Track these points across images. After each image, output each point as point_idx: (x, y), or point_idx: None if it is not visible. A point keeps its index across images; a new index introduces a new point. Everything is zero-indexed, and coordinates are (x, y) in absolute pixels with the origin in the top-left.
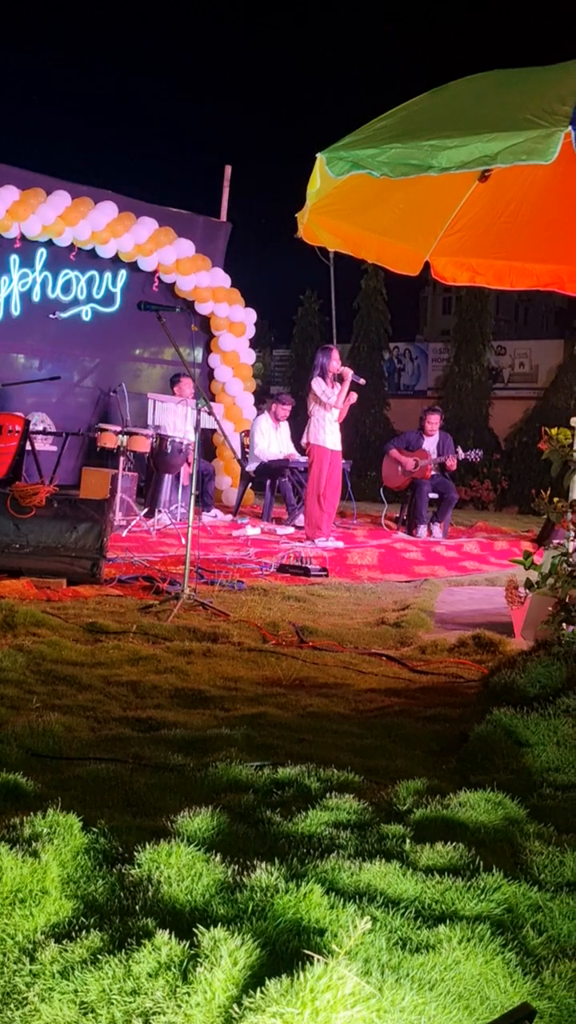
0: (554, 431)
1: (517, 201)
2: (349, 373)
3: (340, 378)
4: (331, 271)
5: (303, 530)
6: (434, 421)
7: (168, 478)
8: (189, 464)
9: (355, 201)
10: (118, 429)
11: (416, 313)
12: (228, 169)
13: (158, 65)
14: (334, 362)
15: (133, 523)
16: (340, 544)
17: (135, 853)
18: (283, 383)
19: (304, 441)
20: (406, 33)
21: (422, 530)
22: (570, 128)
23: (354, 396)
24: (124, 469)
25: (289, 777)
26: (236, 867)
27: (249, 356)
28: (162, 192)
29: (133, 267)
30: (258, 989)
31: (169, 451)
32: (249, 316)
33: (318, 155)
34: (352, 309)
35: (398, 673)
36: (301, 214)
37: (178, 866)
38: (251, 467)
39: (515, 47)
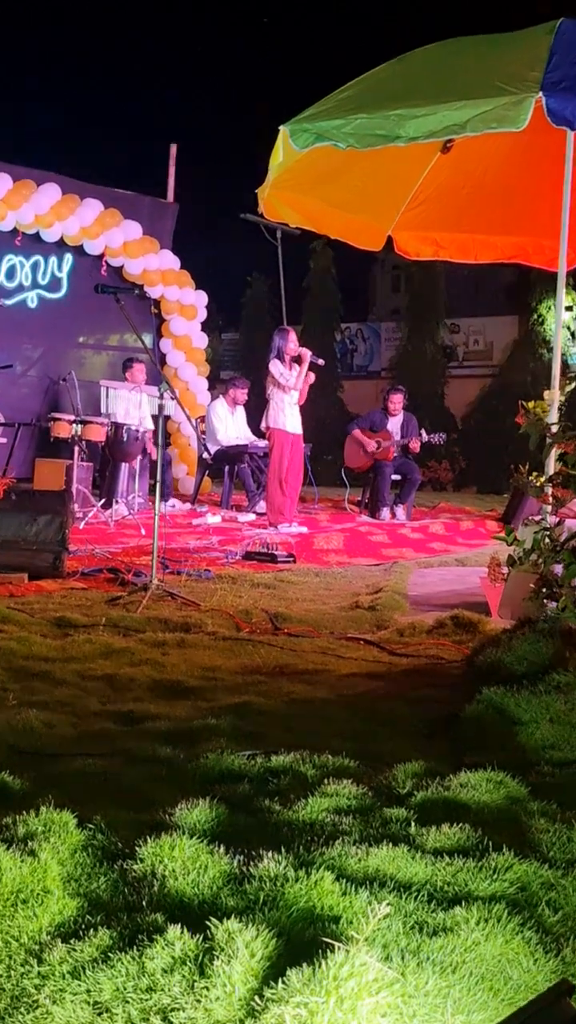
0: (531, 404)
1: (480, 172)
2: (307, 354)
3: (298, 359)
4: (279, 251)
5: (265, 516)
6: (397, 401)
7: (125, 467)
8: (147, 452)
9: (317, 175)
10: (72, 418)
11: (367, 292)
12: (174, 148)
13: (100, 40)
14: (291, 343)
15: (90, 514)
16: (304, 529)
17: (136, 848)
18: (233, 367)
19: (263, 425)
20: (360, 4)
21: (385, 512)
22: (540, 94)
23: (312, 377)
24: (79, 459)
25: (283, 765)
26: (242, 858)
27: (202, 340)
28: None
29: (79, 251)
30: (279, 980)
31: (126, 439)
32: (200, 299)
33: (281, 128)
34: (302, 289)
35: (378, 657)
36: (262, 189)
37: (182, 859)
38: (208, 454)
39: (479, 13)
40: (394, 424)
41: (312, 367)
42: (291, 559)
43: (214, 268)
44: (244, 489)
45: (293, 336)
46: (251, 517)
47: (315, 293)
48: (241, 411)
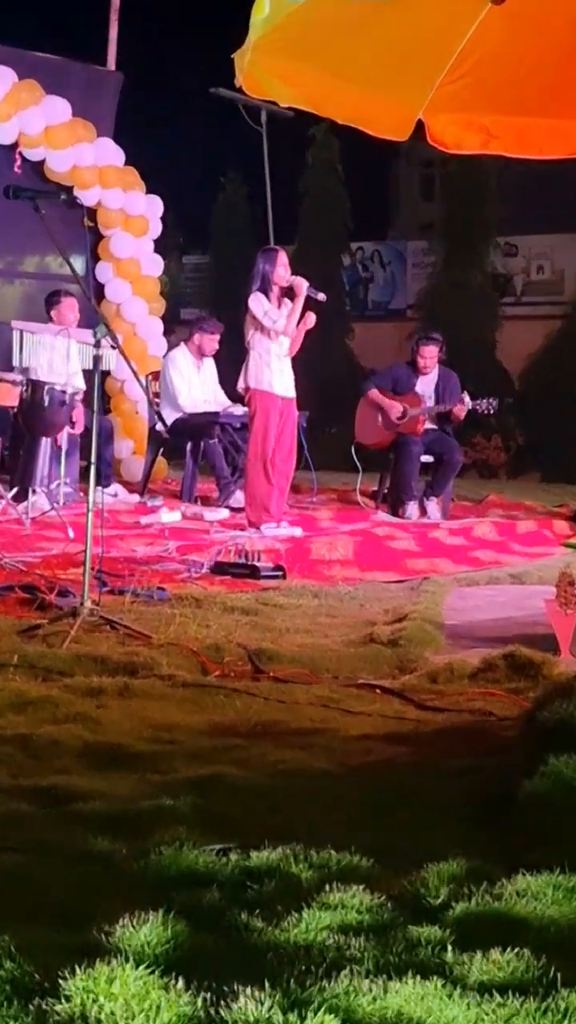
0: None
1: (547, 31)
2: (303, 285)
3: (291, 293)
4: (264, 141)
5: (242, 513)
6: (430, 353)
7: (45, 443)
8: (75, 423)
9: (319, 34)
10: None
11: (387, 200)
12: None
13: None
14: (280, 270)
15: None
16: (298, 532)
17: (60, 981)
18: (200, 304)
19: (241, 386)
20: None
21: (412, 508)
22: None
23: (311, 318)
24: None
25: (267, 864)
26: (209, 995)
27: (154, 265)
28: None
29: None
30: None
31: (47, 404)
32: (153, 207)
33: None
34: (296, 195)
35: (401, 711)
36: (240, 54)
37: (124, 997)
38: (164, 425)
39: None
40: (426, 384)
41: (310, 304)
42: (279, 573)
43: (173, 165)
44: (214, 475)
45: (284, 260)
46: (223, 514)
47: (314, 200)
48: (211, 365)
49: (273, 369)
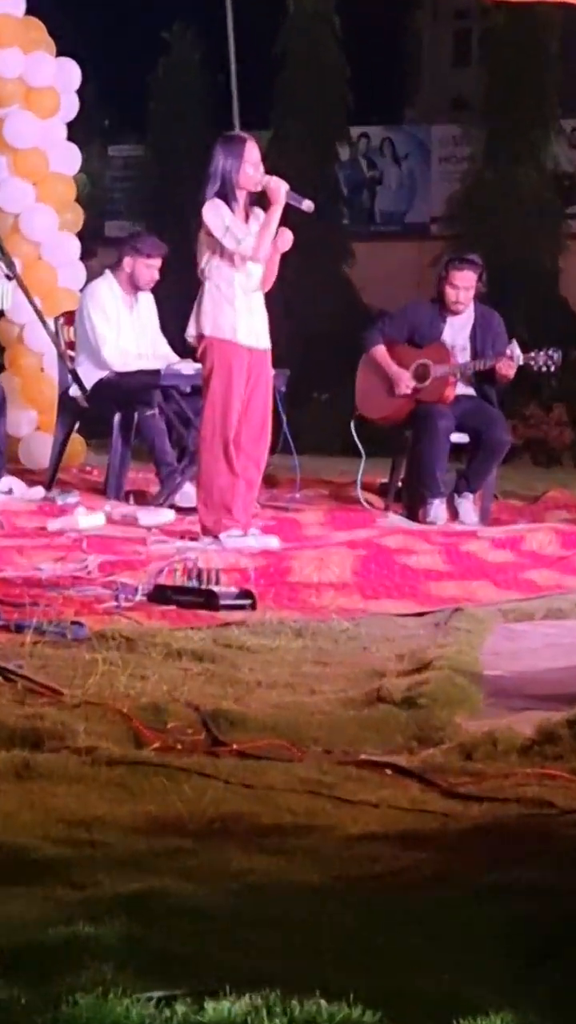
0: None
1: None
2: (281, 189)
3: (263, 201)
4: None
5: (194, 516)
6: (465, 283)
7: None
8: None
9: None
10: None
11: (403, 67)
12: None
13: None
14: (249, 167)
15: None
16: (274, 542)
17: None
18: (132, 215)
19: (191, 333)
20: None
21: (437, 509)
22: None
23: (289, 237)
24: None
25: (229, 1019)
26: None
27: (68, 159)
28: None
29: None
30: None
31: None
32: (66, 77)
33: None
34: (271, 60)
35: (421, 801)
36: None
37: None
38: (82, 389)
39: None
40: (457, 330)
41: (290, 216)
42: (246, 602)
43: (96, 16)
44: (152, 461)
45: (253, 153)
46: (166, 516)
47: (298, 67)
48: (148, 304)
49: (238, 309)
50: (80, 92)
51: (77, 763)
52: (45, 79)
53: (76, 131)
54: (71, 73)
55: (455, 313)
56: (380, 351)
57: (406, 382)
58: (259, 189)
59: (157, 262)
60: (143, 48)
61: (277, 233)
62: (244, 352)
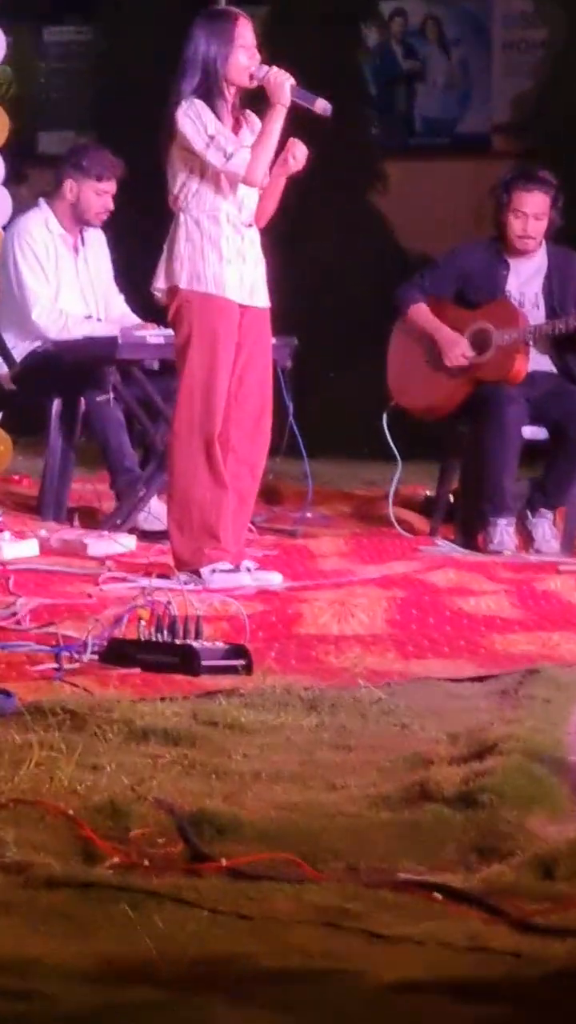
0: None
1: None
2: (285, 85)
3: (256, 102)
4: None
5: (164, 542)
6: (535, 208)
7: None
8: None
9: None
10: None
11: None
12: None
13: None
14: (241, 54)
15: None
16: (276, 579)
17: None
18: (75, 123)
19: (159, 285)
20: None
21: (503, 531)
22: None
23: (301, 151)
24: None
25: None
26: None
27: None
28: None
29: None
30: None
31: None
32: None
33: None
34: None
35: (482, 936)
36: None
37: None
38: (8, 363)
39: None
40: (525, 280)
41: (297, 122)
42: (239, 662)
43: None
44: (106, 466)
45: (246, 33)
46: (126, 543)
47: None
48: (99, 244)
49: (224, 252)
50: None
51: (5, 885)
52: None
53: None
54: None
55: (522, 253)
56: (421, 311)
57: (463, 347)
58: (254, 85)
59: (110, 186)
60: None
61: (283, 147)
62: (234, 311)
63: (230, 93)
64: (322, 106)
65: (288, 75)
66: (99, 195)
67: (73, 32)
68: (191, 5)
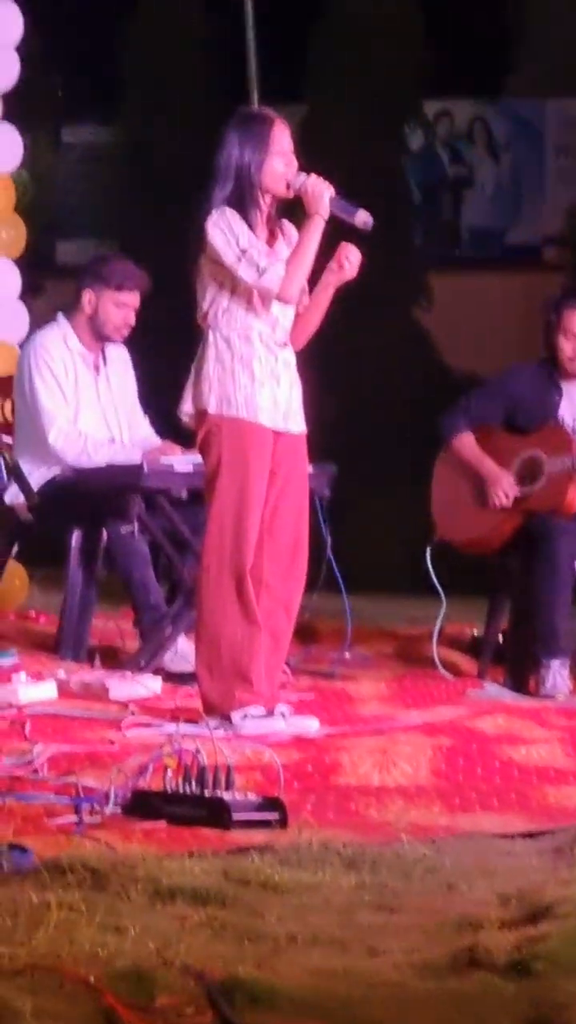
0: None
1: None
2: (324, 196)
3: (295, 210)
4: None
5: (192, 685)
6: None
7: None
8: None
9: None
10: None
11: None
12: None
13: None
14: (277, 160)
15: None
16: (313, 725)
17: None
18: (97, 231)
19: (186, 409)
20: None
21: (556, 674)
22: None
23: (355, 257)
24: None
25: None
26: None
27: (3, 148)
28: None
29: None
30: None
31: None
32: (5, 21)
33: None
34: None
35: None
36: None
37: None
38: (27, 493)
39: None
40: None
41: (335, 229)
42: (273, 815)
43: None
44: (131, 602)
45: (283, 138)
46: (151, 686)
47: (345, 8)
48: (122, 362)
49: (256, 373)
50: (22, 49)
51: None
52: None
53: (15, 107)
54: (7, 20)
55: (575, 377)
56: (466, 442)
57: (507, 486)
58: (290, 194)
59: (132, 299)
60: None
61: (322, 260)
62: (267, 437)
63: (265, 202)
64: (363, 219)
65: (327, 184)
66: (119, 307)
67: (93, 132)
68: (221, 102)
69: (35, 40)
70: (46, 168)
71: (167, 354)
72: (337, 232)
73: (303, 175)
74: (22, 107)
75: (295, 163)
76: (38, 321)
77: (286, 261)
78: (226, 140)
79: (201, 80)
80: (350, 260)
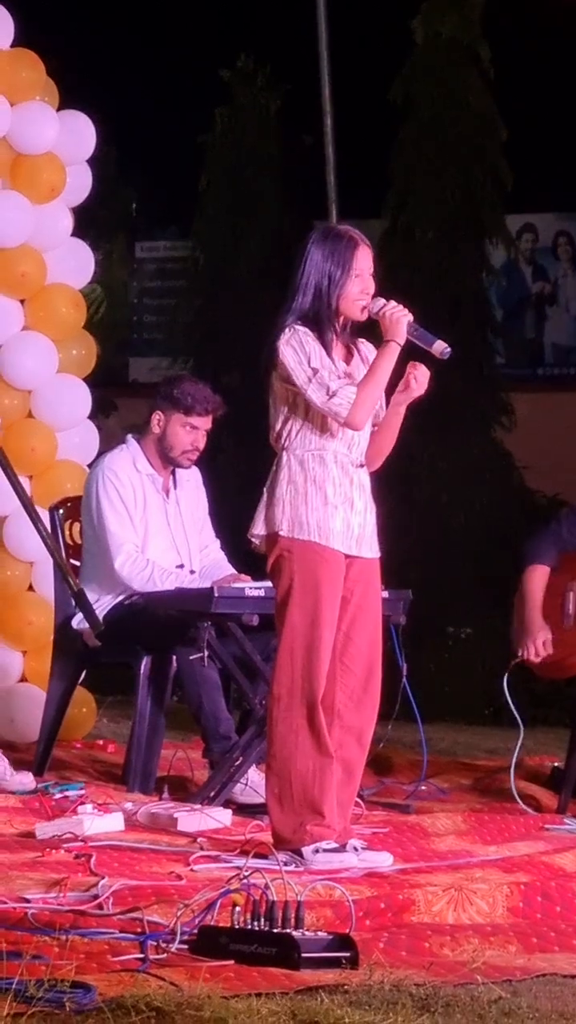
0: None
1: None
2: (403, 322)
3: (372, 332)
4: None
5: (262, 817)
6: None
7: None
8: None
9: None
10: None
11: None
12: None
13: None
14: (354, 283)
15: None
16: (386, 860)
17: None
18: (170, 349)
19: (258, 531)
20: None
21: None
22: None
23: (423, 376)
24: None
25: None
26: None
27: (76, 263)
28: None
29: None
30: None
31: None
32: (74, 135)
33: None
34: (387, 111)
35: None
36: None
37: None
38: (92, 619)
39: None
40: None
41: (418, 356)
42: (344, 954)
43: (116, 42)
44: (200, 731)
45: (366, 259)
46: (220, 818)
47: (425, 123)
48: (193, 486)
49: (329, 496)
50: (95, 162)
51: None
52: (42, 142)
53: (88, 221)
54: (81, 133)
55: None
56: (534, 576)
57: (536, 647)
58: (364, 318)
59: (202, 422)
60: (191, 95)
61: (396, 380)
62: (339, 562)
63: (340, 323)
64: (440, 348)
65: (405, 311)
66: (189, 432)
67: (169, 247)
68: (299, 218)
69: (110, 153)
70: (120, 283)
71: (242, 475)
72: (414, 349)
73: (381, 300)
74: (96, 221)
75: (372, 287)
76: (109, 440)
77: (358, 385)
78: (307, 256)
79: (279, 195)
80: (418, 380)
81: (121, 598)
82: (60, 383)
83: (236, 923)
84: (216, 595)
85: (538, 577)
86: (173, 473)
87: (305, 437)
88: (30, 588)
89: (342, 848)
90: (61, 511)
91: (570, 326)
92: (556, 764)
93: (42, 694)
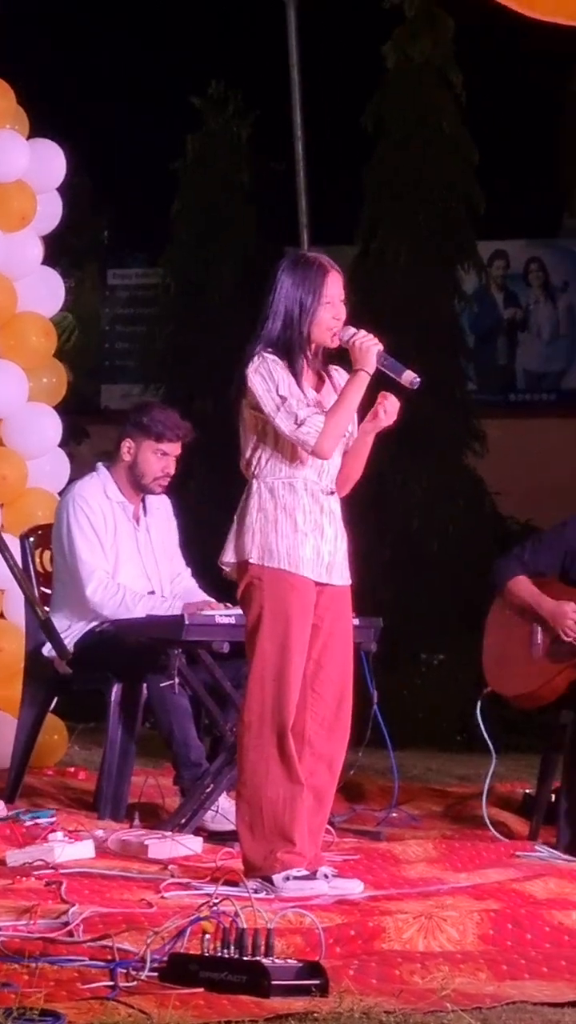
0: None
1: None
2: (372, 351)
3: (341, 360)
4: (289, 8)
5: (232, 844)
6: None
7: None
8: None
9: None
10: None
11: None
12: None
13: None
14: (325, 311)
15: None
16: (356, 887)
17: None
18: (140, 376)
19: (228, 559)
20: None
21: None
22: None
23: (392, 406)
24: None
25: None
26: None
27: (46, 291)
28: None
29: None
30: None
31: None
32: (44, 164)
33: None
34: (359, 137)
35: None
36: None
37: None
38: (59, 648)
39: None
40: None
41: (383, 388)
42: (313, 981)
43: (85, 71)
44: (171, 758)
45: (335, 286)
46: (191, 846)
47: (397, 149)
48: (163, 513)
49: (299, 524)
50: (65, 189)
51: None
52: (12, 170)
53: (60, 249)
54: (51, 161)
55: None
56: (523, 583)
57: (572, 619)
58: (335, 346)
59: (172, 448)
60: (163, 121)
61: (367, 409)
62: (309, 590)
63: (311, 351)
64: (409, 378)
65: (375, 340)
66: (159, 458)
67: (139, 275)
68: (270, 244)
69: (81, 181)
70: (91, 311)
71: (212, 502)
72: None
73: (351, 329)
74: (67, 249)
75: (344, 314)
76: (81, 467)
77: (326, 414)
78: (277, 283)
79: (250, 221)
80: (387, 410)
81: (92, 625)
82: (31, 411)
83: (206, 951)
84: (187, 622)
85: (526, 582)
86: (143, 500)
87: (275, 465)
88: (0, 615)
89: (312, 875)
90: (32, 539)
91: (542, 352)
92: (527, 791)
93: (13, 721)
